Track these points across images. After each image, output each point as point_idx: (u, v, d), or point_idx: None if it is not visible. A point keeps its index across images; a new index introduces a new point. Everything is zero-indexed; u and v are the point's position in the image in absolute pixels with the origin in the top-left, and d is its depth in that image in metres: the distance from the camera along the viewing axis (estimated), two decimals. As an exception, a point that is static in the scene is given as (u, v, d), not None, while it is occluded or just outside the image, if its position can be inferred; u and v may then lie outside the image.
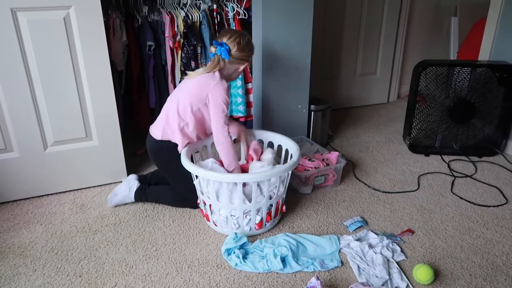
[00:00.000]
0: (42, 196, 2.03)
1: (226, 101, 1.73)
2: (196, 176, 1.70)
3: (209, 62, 1.80)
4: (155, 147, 1.84)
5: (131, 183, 1.94)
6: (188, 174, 1.72)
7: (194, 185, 1.75)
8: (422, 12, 3.41)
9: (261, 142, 2.00)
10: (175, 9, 2.34)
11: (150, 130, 1.87)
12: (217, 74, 1.75)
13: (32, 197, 2.01)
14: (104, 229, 1.78)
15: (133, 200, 1.93)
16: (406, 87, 3.61)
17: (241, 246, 1.61)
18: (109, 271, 1.53)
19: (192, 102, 1.74)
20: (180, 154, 1.75)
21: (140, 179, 1.98)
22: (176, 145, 1.79)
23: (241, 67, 1.81)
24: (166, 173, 1.89)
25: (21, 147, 1.90)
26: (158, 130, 1.81)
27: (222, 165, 1.79)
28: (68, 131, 1.95)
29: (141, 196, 1.93)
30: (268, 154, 1.88)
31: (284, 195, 1.78)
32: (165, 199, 1.94)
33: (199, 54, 2.42)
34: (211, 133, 1.81)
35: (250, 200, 1.65)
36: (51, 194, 2.04)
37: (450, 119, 2.43)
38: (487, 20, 2.54)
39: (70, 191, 2.08)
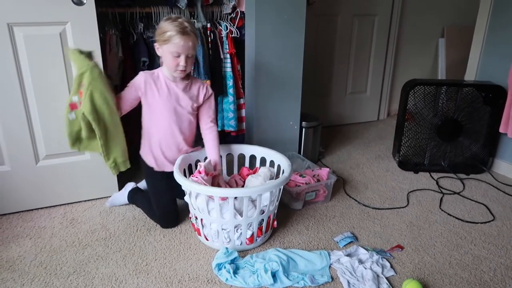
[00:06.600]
0: (32, 210, 2.01)
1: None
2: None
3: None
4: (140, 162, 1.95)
5: (128, 185, 2.04)
6: (156, 189, 1.86)
7: (161, 203, 1.85)
8: (410, 33, 3.51)
9: (253, 157, 2.03)
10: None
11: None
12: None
13: (22, 211, 2.00)
14: (94, 243, 1.77)
15: (126, 200, 2.02)
16: (396, 106, 3.67)
17: (232, 261, 1.61)
18: (99, 286, 1.51)
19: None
20: (147, 170, 1.88)
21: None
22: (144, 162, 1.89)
23: (160, 51, 1.70)
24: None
25: (13, 161, 1.90)
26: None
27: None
28: (60, 144, 1.95)
29: (132, 197, 2.00)
30: (265, 169, 1.90)
31: (276, 211, 1.79)
32: (143, 208, 1.98)
33: (192, 70, 2.46)
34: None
35: (241, 215, 1.66)
36: (41, 208, 2.03)
37: (438, 137, 2.48)
38: (473, 41, 2.62)
39: (61, 205, 2.06)
